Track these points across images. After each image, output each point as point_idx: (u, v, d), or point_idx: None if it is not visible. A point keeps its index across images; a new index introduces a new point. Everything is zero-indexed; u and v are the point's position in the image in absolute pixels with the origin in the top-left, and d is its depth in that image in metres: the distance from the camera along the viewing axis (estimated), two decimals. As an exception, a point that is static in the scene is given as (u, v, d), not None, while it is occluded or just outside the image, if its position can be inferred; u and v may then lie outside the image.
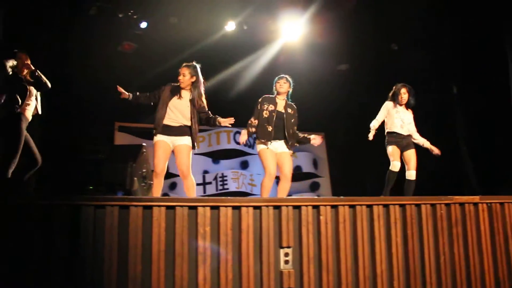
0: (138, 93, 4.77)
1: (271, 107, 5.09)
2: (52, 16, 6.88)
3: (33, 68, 4.61)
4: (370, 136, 5.46)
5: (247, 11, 7.73)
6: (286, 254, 3.57)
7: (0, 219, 3.06)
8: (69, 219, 3.18)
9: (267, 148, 4.96)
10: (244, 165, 8.93)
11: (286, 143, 5.10)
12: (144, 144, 3.98)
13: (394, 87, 5.78)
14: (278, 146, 5.05)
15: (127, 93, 4.71)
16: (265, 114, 5.05)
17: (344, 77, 8.95)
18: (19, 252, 3.05)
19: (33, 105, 4.55)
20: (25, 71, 4.64)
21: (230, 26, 7.83)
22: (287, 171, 5.05)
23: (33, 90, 4.58)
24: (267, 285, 3.49)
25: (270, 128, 4.97)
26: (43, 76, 4.66)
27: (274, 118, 5.02)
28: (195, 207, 3.41)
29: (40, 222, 3.12)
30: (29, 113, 4.51)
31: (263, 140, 4.97)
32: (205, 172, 8.60)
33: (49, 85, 4.70)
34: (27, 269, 3.05)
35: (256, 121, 5.00)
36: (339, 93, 8.93)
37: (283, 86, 5.22)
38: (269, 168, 4.94)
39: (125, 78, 8.00)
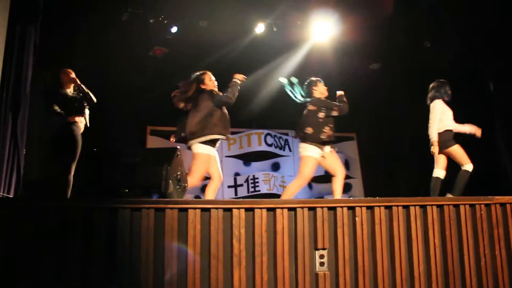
0: None
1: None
2: (85, 23, 7.04)
3: (79, 83, 4.88)
4: (436, 150, 5.33)
5: (276, 12, 7.73)
6: (322, 256, 3.54)
7: (41, 222, 3.14)
8: (107, 222, 3.24)
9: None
10: (275, 167, 8.92)
11: None
12: (178, 147, 4.00)
13: (436, 84, 5.68)
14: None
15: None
16: (321, 115, 5.14)
17: (376, 76, 8.82)
18: (59, 254, 3.13)
19: (82, 117, 4.97)
20: (71, 86, 4.95)
21: (260, 28, 7.84)
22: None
23: (81, 103, 4.98)
24: (302, 287, 3.47)
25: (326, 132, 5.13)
26: (88, 91, 5.04)
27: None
28: (230, 209, 3.42)
29: (79, 224, 3.19)
30: (81, 125, 4.96)
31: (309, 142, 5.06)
32: (237, 174, 8.63)
33: (95, 100, 5.10)
34: (65, 272, 3.12)
35: None
36: (371, 93, 8.81)
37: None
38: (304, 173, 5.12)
39: (157, 83, 8.16)
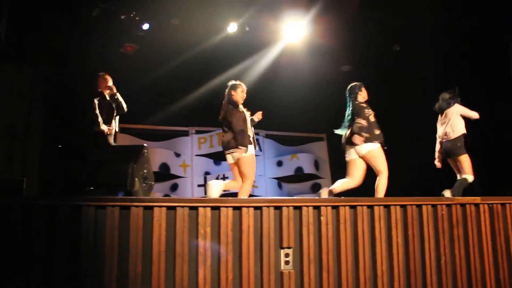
0: None
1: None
2: (54, 18, 6.90)
3: (115, 91, 5.08)
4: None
5: (249, 12, 7.74)
6: (287, 255, 3.58)
7: (3, 220, 3.07)
8: (70, 220, 3.19)
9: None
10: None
11: None
12: (145, 145, 3.97)
13: (451, 92, 5.85)
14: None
15: None
16: (372, 118, 5.18)
17: (347, 78, 8.93)
18: (21, 252, 3.07)
19: (114, 123, 5.16)
20: (107, 92, 4.94)
21: (232, 28, 7.83)
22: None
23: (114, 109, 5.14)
24: (267, 286, 3.50)
25: (378, 132, 5.12)
26: (121, 99, 5.26)
27: None
28: (195, 208, 3.42)
29: (42, 222, 3.13)
30: (112, 130, 5.13)
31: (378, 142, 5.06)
32: (207, 173, 8.61)
33: (125, 108, 5.34)
34: (29, 269, 3.06)
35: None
36: (342, 94, 8.90)
37: None
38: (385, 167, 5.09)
39: (128, 80, 8.06)
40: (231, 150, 4.82)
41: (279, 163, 9.22)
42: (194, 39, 7.88)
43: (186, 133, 8.85)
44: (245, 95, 5.15)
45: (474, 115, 5.60)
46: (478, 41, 7.62)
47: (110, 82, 5.27)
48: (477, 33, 7.56)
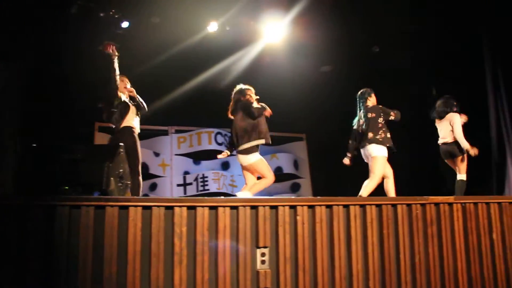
0: None
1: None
2: (30, 14, 6.79)
3: (135, 94, 5.31)
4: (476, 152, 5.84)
5: (229, 12, 7.73)
6: (263, 254, 3.59)
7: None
8: (44, 219, 3.15)
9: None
10: (225, 166, 8.94)
11: None
12: (121, 144, 3.95)
13: (443, 100, 6.28)
14: None
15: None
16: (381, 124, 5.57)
17: (327, 78, 9.00)
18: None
19: (135, 123, 5.24)
20: (126, 93, 5.27)
21: (213, 27, 7.82)
22: None
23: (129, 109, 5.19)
24: (243, 285, 3.51)
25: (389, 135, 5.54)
26: (141, 100, 5.36)
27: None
28: (171, 207, 3.41)
29: (15, 222, 3.09)
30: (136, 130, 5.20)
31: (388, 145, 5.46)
32: (186, 172, 8.58)
33: (146, 108, 5.43)
34: (1, 269, 3.02)
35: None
36: (321, 94, 8.99)
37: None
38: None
39: (107, 78, 7.98)
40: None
41: (259, 163, 9.23)
42: (174, 38, 7.84)
43: (165, 133, 8.80)
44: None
45: (458, 137, 5.94)
46: (453, 42, 7.76)
47: (128, 85, 5.46)
48: (452, 34, 7.69)
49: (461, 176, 5.96)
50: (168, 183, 8.45)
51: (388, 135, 5.52)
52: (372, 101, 5.83)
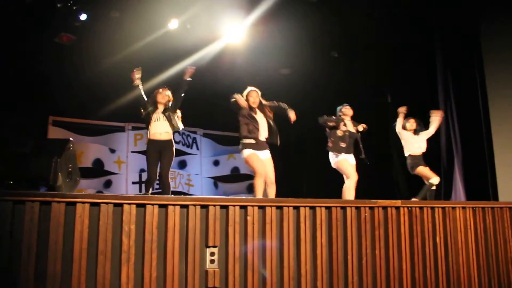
0: None
1: (344, 128, 5.96)
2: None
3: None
4: None
5: (191, 10, 7.70)
6: (212, 254, 3.60)
7: None
8: (-15, 215, 3.05)
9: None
10: (182, 165, 8.89)
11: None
12: (71, 139, 3.86)
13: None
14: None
15: None
16: (340, 133, 5.91)
17: (287, 81, 9.10)
18: None
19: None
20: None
21: (173, 24, 7.77)
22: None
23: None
24: (191, 284, 3.50)
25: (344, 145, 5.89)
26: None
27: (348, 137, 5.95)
28: (120, 205, 3.36)
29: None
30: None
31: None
32: (142, 170, 8.47)
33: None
34: None
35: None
36: (280, 96, 9.04)
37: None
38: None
39: (63, 71, 7.79)
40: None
41: (216, 163, 9.25)
42: (134, 34, 7.75)
43: (122, 129, 8.67)
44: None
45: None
46: (409, 50, 8.01)
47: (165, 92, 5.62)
48: (407, 44, 7.93)
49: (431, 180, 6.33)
50: (123, 181, 8.33)
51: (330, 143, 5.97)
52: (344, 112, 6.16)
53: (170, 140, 5.33)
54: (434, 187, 6.31)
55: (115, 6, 7.50)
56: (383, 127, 8.45)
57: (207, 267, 3.59)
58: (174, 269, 3.46)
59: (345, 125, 6.00)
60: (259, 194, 5.05)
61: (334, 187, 6.12)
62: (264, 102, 5.48)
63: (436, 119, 6.61)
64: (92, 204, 3.30)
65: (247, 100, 5.41)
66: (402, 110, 6.64)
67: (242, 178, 9.24)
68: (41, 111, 8.04)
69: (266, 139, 5.36)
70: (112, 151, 8.39)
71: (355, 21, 8.06)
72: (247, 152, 5.16)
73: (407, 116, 6.65)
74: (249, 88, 5.57)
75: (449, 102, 7.49)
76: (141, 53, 7.79)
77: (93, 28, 7.65)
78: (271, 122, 5.44)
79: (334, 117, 6.03)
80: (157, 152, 5.21)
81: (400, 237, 4.38)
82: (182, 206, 3.52)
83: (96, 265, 3.28)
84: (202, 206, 3.60)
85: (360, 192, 5.93)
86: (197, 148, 9.03)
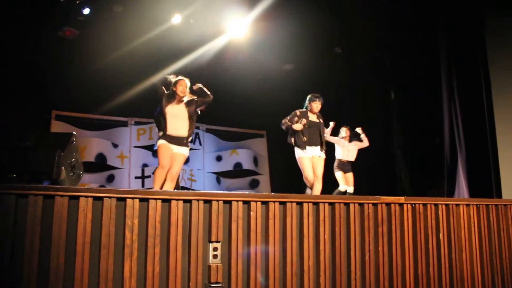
0: None
1: (304, 121, 5.82)
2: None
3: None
4: None
5: (194, 5, 7.68)
6: (215, 249, 3.59)
7: None
8: (-12, 208, 3.04)
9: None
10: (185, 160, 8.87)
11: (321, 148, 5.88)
12: (74, 132, 3.85)
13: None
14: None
15: None
16: (298, 127, 5.79)
17: (289, 76, 9.08)
18: None
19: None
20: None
21: (177, 19, 7.75)
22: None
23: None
24: (194, 279, 3.50)
25: (305, 138, 5.80)
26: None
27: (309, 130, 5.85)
28: (123, 199, 3.35)
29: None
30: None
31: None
32: (145, 165, 8.48)
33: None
34: None
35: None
36: (283, 92, 9.06)
37: (319, 107, 5.97)
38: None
39: (66, 66, 7.78)
40: None
41: (219, 158, 9.24)
42: (137, 28, 7.74)
43: (125, 124, 8.67)
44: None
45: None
46: (412, 45, 7.97)
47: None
48: (412, 40, 7.89)
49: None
50: (126, 175, 8.33)
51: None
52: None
53: None
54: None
55: (118, 1, 7.50)
56: (386, 123, 8.44)
57: (210, 262, 3.58)
58: (177, 263, 3.45)
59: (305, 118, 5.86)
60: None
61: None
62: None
63: (363, 136, 7.28)
64: (95, 198, 3.29)
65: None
66: (332, 124, 7.08)
67: (244, 173, 9.24)
68: (44, 106, 8.04)
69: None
70: (115, 145, 8.39)
71: (358, 17, 8.02)
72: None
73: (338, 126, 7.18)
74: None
75: (453, 99, 7.45)
76: (144, 48, 7.78)
77: (96, 23, 7.64)
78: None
79: (288, 118, 5.96)
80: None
81: (403, 233, 4.36)
82: (185, 201, 3.51)
83: (99, 259, 3.27)
84: (205, 201, 3.58)
85: (363, 189, 5.93)
86: (200, 144, 9.03)
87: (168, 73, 8.29)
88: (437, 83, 7.69)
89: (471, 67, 7.22)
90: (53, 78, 7.71)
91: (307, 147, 5.75)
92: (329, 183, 6.59)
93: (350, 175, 7.20)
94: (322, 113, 6.02)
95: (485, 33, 7.09)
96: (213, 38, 8.11)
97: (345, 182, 7.16)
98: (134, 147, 8.52)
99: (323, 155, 5.86)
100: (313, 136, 5.82)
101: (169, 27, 7.79)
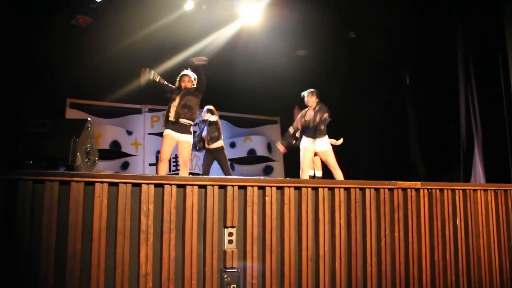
0: None
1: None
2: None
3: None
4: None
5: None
6: (230, 234, 3.59)
7: None
8: (5, 194, 3.07)
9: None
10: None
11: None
12: (89, 119, 3.86)
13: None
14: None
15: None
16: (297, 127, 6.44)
17: (303, 62, 9.00)
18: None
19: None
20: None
21: (189, 5, 7.70)
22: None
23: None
24: (210, 264, 3.51)
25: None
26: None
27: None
28: (139, 184, 3.36)
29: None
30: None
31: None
32: (158, 152, 8.50)
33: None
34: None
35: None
36: (297, 78, 8.99)
37: (311, 100, 6.42)
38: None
39: (80, 54, 7.81)
40: None
41: (232, 145, 9.23)
42: (150, 15, 7.70)
43: (139, 111, 8.69)
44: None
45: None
46: (430, 31, 7.83)
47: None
48: (427, 25, 7.75)
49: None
50: (140, 162, 8.38)
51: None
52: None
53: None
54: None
55: (131, -13, 7.46)
56: (401, 108, 8.35)
57: (225, 247, 3.58)
58: (193, 249, 3.46)
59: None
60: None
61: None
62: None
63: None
64: (110, 183, 3.30)
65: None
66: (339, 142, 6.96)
67: (258, 160, 9.23)
68: (58, 94, 8.09)
69: None
70: (129, 133, 8.43)
71: (373, 1, 7.89)
72: None
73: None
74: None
75: (470, 83, 7.32)
76: (156, 34, 7.76)
77: (109, 10, 7.63)
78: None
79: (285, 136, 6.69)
80: None
81: (419, 219, 4.32)
82: (200, 186, 3.51)
83: (115, 244, 3.29)
84: (220, 187, 3.58)
85: (379, 173, 5.88)
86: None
87: (181, 60, 8.35)
88: (453, 66, 7.56)
89: (488, 50, 7.07)
90: (67, 66, 7.75)
91: (312, 140, 6.28)
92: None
93: (317, 158, 7.04)
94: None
95: (504, 16, 6.93)
96: (226, 24, 8.05)
97: (314, 165, 7.09)
98: (148, 134, 8.55)
99: (328, 147, 6.25)
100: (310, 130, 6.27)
101: (181, 14, 7.74)
